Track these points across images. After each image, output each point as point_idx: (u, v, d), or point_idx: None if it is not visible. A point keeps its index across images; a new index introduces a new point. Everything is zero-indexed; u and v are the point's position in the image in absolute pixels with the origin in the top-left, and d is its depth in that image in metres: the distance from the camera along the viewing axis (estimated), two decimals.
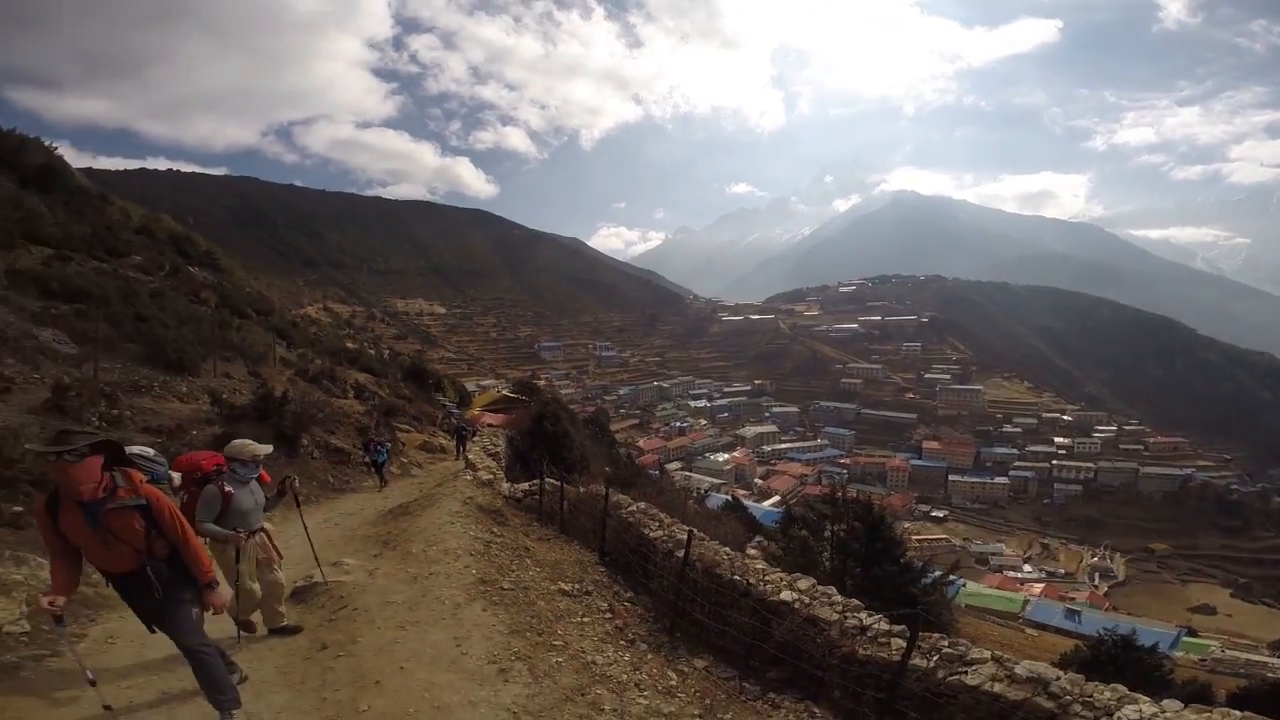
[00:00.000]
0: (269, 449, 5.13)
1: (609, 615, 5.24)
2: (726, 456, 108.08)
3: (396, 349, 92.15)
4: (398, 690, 3.84)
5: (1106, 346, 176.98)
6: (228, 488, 4.63)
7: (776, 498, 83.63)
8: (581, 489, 9.15)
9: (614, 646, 4.68)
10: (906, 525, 68.26)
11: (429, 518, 8.05)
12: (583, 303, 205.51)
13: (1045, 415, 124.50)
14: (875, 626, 4.29)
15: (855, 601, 4.66)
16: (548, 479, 9.69)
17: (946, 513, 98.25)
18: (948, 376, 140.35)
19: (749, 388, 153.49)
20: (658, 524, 6.15)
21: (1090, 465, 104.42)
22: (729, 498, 53.95)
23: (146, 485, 3.37)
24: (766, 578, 4.59)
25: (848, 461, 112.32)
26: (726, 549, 5.21)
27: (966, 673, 3.71)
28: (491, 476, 12.28)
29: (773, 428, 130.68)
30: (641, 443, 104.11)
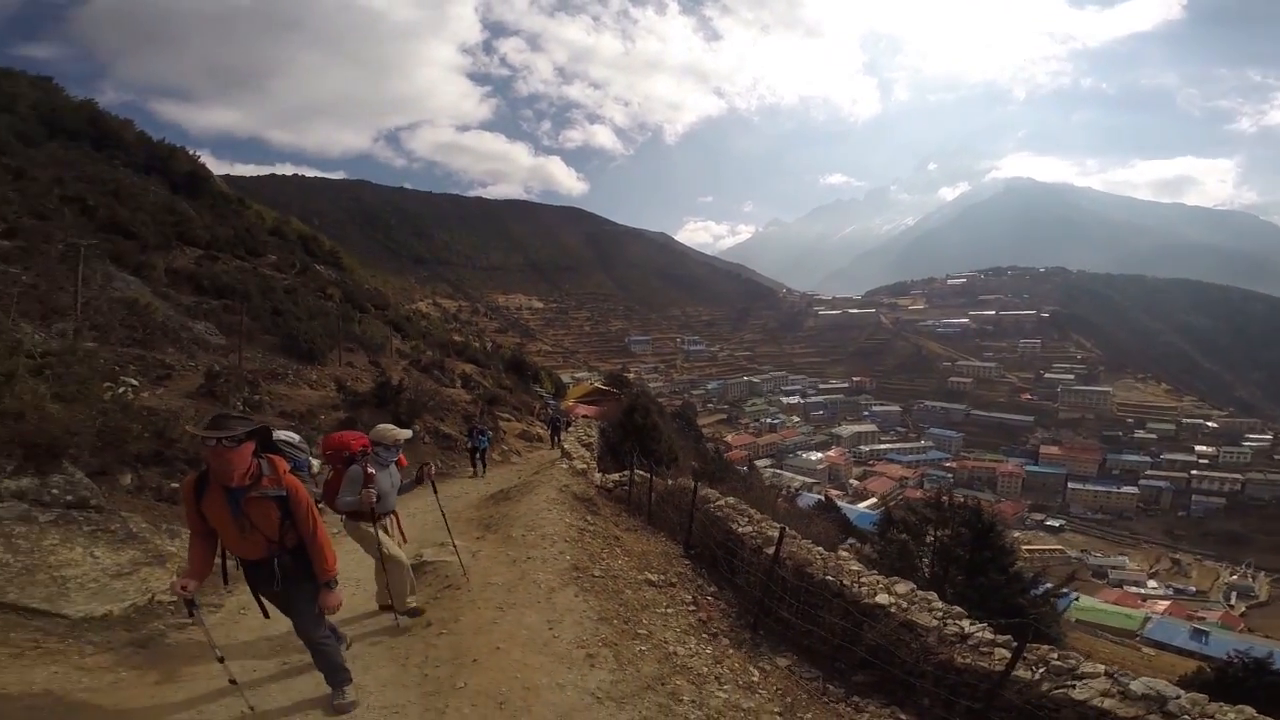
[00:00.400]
0: (409, 434, 5.27)
1: (693, 608, 5.27)
2: (820, 455, 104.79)
3: (498, 342, 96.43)
4: (493, 669, 4.03)
5: (1263, 346, 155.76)
6: (370, 469, 4.81)
7: (873, 500, 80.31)
8: (670, 481, 9.27)
9: (696, 639, 4.72)
10: (1017, 534, 63.35)
11: (528, 504, 8.34)
12: (671, 297, 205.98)
13: (1186, 421, 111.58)
14: (978, 635, 4.13)
15: (957, 609, 4.49)
16: (637, 470, 9.88)
17: (1063, 522, 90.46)
18: (1071, 376, 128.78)
19: (846, 385, 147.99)
20: (747, 519, 6.13)
21: (1238, 476, 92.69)
22: (821, 497, 52.40)
23: (289, 475, 3.40)
24: (862, 580, 4.49)
25: (954, 465, 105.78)
26: (820, 548, 5.13)
27: (1074, 686, 3.52)
28: (585, 466, 12.67)
29: (872, 427, 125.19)
30: (729, 438, 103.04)
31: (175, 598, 3.31)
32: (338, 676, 3.71)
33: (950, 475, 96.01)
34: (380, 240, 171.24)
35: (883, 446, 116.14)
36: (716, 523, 6.33)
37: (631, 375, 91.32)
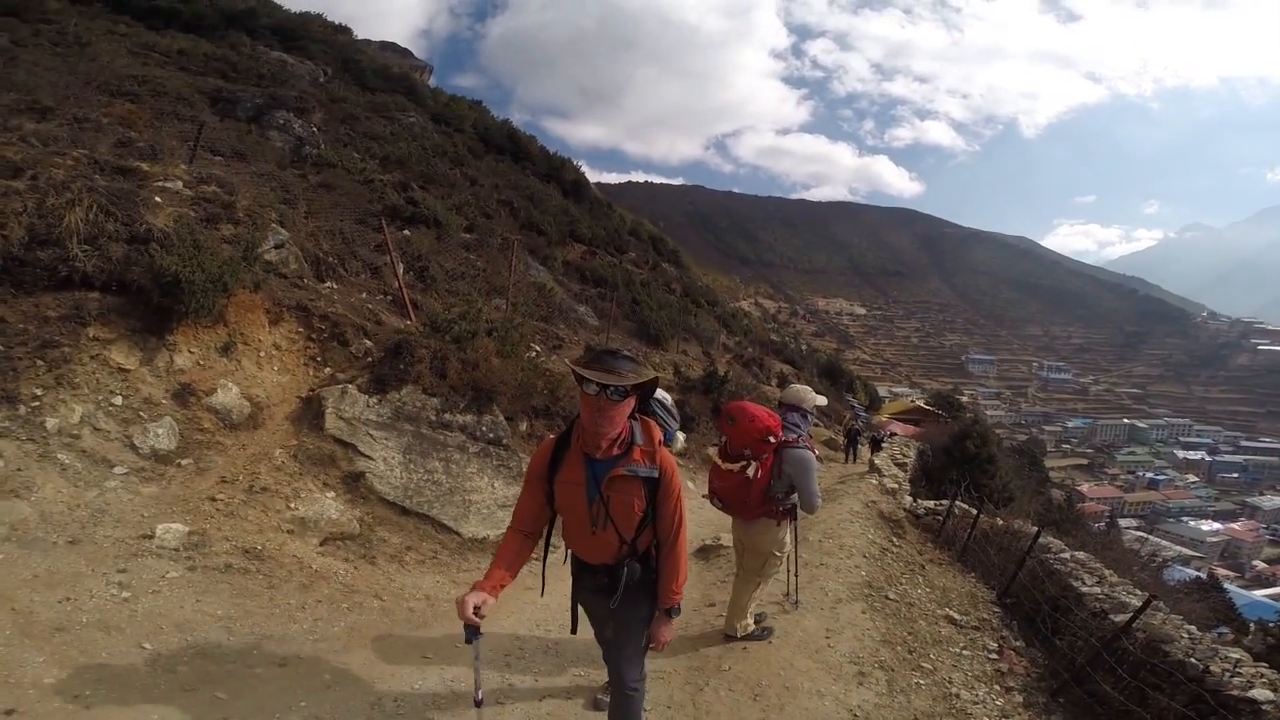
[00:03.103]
0: (824, 401, 4.40)
1: (994, 656, 4.80)
2: (1216, 526, 78.96)
3: (814, 345, 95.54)
4: (759, 661, 4.10)
5: None
6: (815, 450, 3.91)
7: None
8: (998, 521, 8.36)
9: (986, 688, 4.30)
10: None
11: (829, 511, 8.27)
12: (1029, 312, 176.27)
13: None
14: None
15: None
16: (959, 503, 9.10)
17: None
18: None
19: None
20: (1096, 580, 5.29)
21: None
22: (1200, 575, 39.56)
23: (664, 449, 2.43)
24: (1240, 669, 3.56)
25: None
26: (1192, 628, 4.23)
27: None
28: (896, 485, 12.09)
29: None
30: (1084, 487, 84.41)
31: (463, 618, 2.22)
32: None
33: None
34: (711, 241, 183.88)
35: None
36: (1052, 575, 5.59)
37: (965, 398, 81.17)
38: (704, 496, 4.34)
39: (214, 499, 4.62)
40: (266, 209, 7.49)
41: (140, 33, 18.09)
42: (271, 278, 6.57)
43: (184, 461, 4.78)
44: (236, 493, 4.76)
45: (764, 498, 3.82)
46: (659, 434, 2.42)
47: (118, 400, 4.72)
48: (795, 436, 3.85)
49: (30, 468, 4.05)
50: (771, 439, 3.74)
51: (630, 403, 2.29)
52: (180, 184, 6.56)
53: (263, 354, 5.94)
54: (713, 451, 4.26)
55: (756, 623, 4.36)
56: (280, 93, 16.09)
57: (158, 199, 5.99)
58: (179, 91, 12.49)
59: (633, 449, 2.33)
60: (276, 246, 7.13)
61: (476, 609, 2.23)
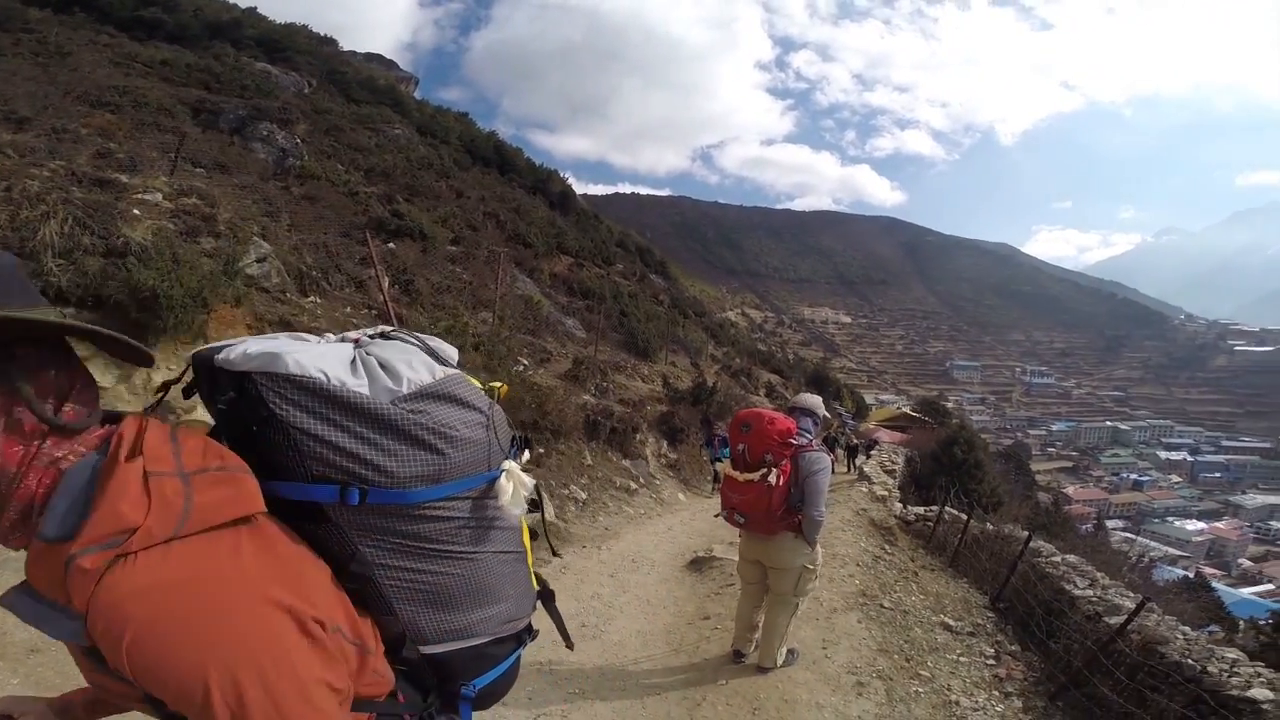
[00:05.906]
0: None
1: (991, 662, 4.81)
2: (1201, 526, 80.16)
3: (801, 355, 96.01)
4: (756, 674, 4.06)
5: None
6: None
7: (1268, 586, 58.59)
8: (989, 526, 8.38)
9: (986, 694, 4.32)
10: None
11: None
12: (1011, 318, 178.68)
13: None
14: None
15: None
16: (949, 509, 9.12)
17: None
18: None
19: (1268, 444, 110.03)
20: (1088, 582, 5.33)
21: None
22: (1188, 574, 40.18)
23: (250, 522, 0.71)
24: (1237, 669, 3.58)
25: None
26: (1186, 628, 4.26)
27: None
28: (886, 493, 12.11)
29: None
30: (1070, 490, 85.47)
31: None
32: None
33: None
34: (698, 251, 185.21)
35: None
36: (1045, 579, 5.62)
37: (950, 404, 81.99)
38: (716, 516, 4.12)
39: None
40: (248, 222, 7.40)
41: (123, 43, 17.91)
42: (253, 292, 6.48)
43: None
44: None
45: (787, 507, 3.59)
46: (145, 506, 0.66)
47: None
48: (808, 441, 3.67)
49: None
50: (792, 441, 3.57)
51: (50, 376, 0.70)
52: (160, 196, 6.46)
53: None
54: (720, 466, 4.11)
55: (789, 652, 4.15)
56: (264, 104, 15.94)
57: (136, 211, 5.88)
58: (161, 102, 12.37)
59: (36, 511, 0.71)
60: (258, 260, 7.04)
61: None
